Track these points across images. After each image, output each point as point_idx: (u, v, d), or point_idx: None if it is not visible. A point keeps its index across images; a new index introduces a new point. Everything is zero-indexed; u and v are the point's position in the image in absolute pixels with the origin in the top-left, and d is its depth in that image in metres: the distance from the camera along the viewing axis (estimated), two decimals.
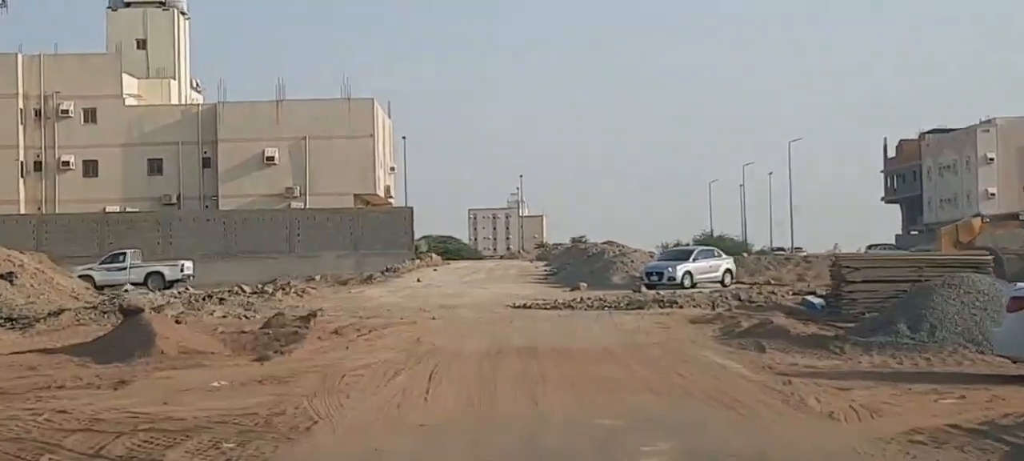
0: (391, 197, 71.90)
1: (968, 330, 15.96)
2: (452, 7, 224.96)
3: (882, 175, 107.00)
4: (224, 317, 25.75)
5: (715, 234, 74.32)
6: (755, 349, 16.89)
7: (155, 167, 66.31)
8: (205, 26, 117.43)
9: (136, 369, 15.23)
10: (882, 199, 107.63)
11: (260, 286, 37.32)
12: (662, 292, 33.12)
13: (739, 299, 29.65)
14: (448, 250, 72.75)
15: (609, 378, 13.62)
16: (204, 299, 30.84)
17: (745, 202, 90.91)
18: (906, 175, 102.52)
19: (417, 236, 65.32)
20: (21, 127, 65.65)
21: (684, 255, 41.66)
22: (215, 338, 18.93)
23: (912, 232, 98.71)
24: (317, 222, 57.22)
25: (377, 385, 13.03)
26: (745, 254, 54.58)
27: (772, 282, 40.38)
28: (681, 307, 28.00)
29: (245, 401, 11.63)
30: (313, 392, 12.28)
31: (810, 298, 26.12)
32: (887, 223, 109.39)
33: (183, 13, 74.51)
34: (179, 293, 34.68)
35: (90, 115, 66.04)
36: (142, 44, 72.16)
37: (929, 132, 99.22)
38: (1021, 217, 68.78)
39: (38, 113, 65.96)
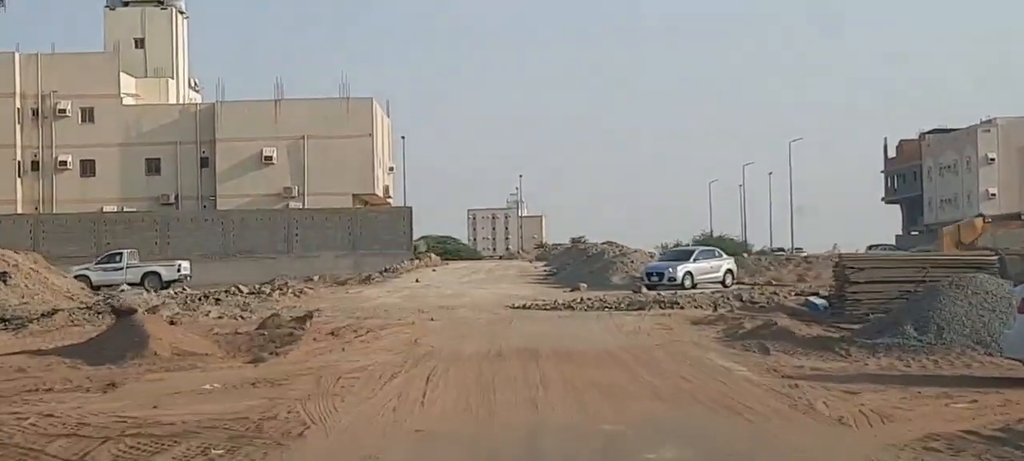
0: (390, 197, 71.66)
1: (976, 332, 15.65)
2: (452, 7, 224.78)
3: (882, 175, 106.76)
4: (220, 318, 25.44)
5: (715, 234, 74.17)
6: (759, 351, 16.58)
7: (153, 167, 66.09)
8: (203, 25, 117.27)
9: (128, 371, 14.92)
10: (882, 199, 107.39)
11: (257, 286, 37.04)
12: (663, 293, 32.85)
13: (741, 300, 29.35)
14: (447, 250, 72.55)
15: (611, 382, 13.29)
16: (200, 299, 30.54)
17: (745, 202, 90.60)
18: (906, 175, 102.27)
19: (416, 236, 65.13)
20: (18, 127, 65.44)
21: (685, 255, 41.39)
22: (210, 339, 18.61)
23: (912, 232, 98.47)
24: (315, 222, 57.05)
25: (373, 388, 12.70)
26: (745, 254, 54.39)
27: (773, 283, 40.09)
28: (682, 308, 27.70)
29: (237, 404, 11.31)
30: (307, 395, 11.96)
31: (813, 299, 25.84)
32: (887, 223, 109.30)
33: (181, 12, 74.26)
34: (175, 293, 34.38)
35: (87, 115, 65.83)
36: (140, 43, 71.92)
37: (929, 132, 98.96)
38: (1023, 217, 68.47)
39: (35, 112, 65.76)
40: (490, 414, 11.01)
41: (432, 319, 25.02)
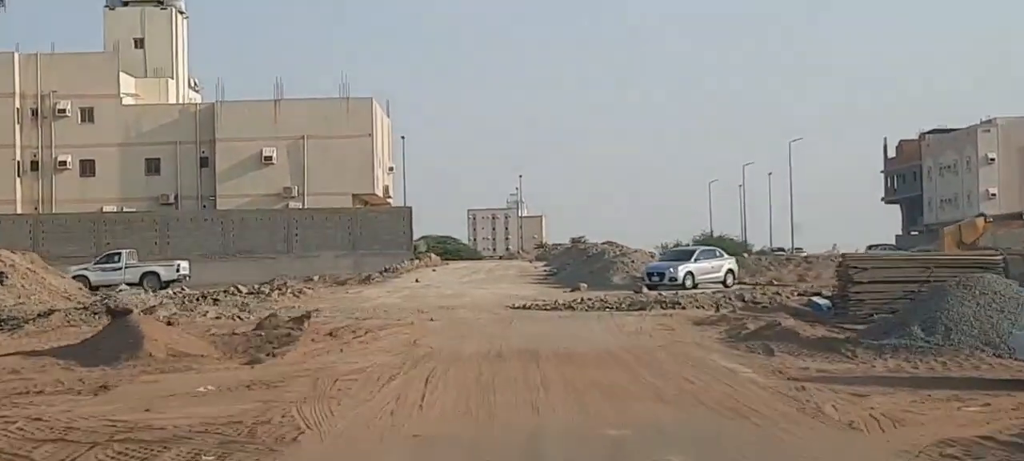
0: (390, 197, 71.39)
1: (984, 333, 15.38)
2: (452, 6, 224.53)
3: (882, 175, 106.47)
4: (217, 318, 25.16)
5: (715, 234, 73.93)
6: (764, 352, 16.30)
7: (152, 167, 65.80)
8: (203, 25, 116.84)
9: (122, 373, 14.68)
10: (882, 199, 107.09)
11: (256, 287, 36.78)
12: (664, 293, 32.59)
13: (743, 300, 29.08)
14: (447, 250, 72.30)
15: (613, 384, 13.01)
16: (198, 300, 30.25)
17: (745, 202, 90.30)
18: (906, 175, 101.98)
19: (416, 236, 64.87)
20: (18, 126, 65.14)
21: (686, 255, 41.11)
22: (206, 340, 18.35)
23: (912, 232, 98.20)
24: (315, 222, 56.79)
25: (370, 391, 12.43)
26: (745, 254, 54.14)
27: (775, 283, 39.83)
28: (684, 308, 27.43)
29: (231, 408, 11.04)
30: (303, 398, 11.69)
31: (816, 299, 25.61)
32: (887, 223, 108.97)
33: (181, 12, 73.97)
34: (174, 293, 34.12)
35: (87, 114, 65.53)
36: (140, 43, 71.60)
37: (929, 132, 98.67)
38: None
39: (35, 112, 65.45)
40: (490, 417, 10.75)
41: (432, 319, 24.76)
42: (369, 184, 65.62)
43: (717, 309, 26.59)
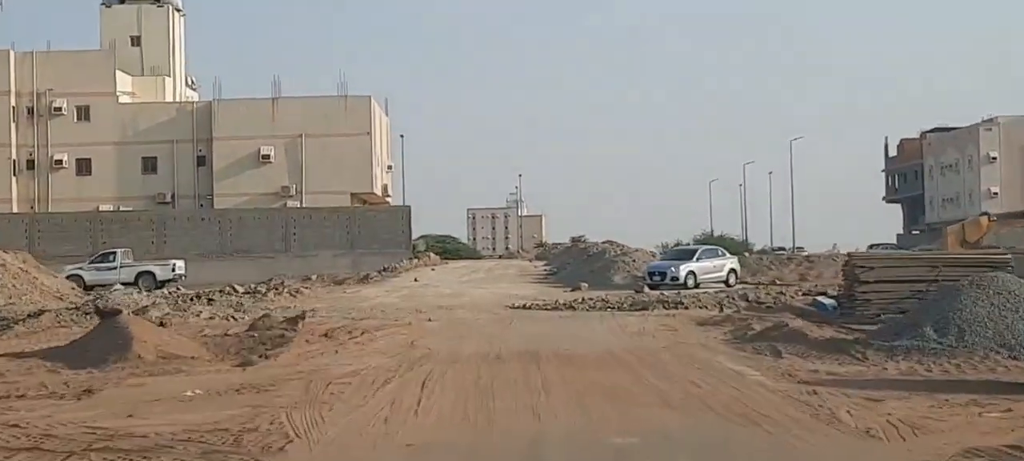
0: (388, 196, 70.96)
1: (999, 334, 14.89)
2: (451, 5, 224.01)
3: (883, 174, 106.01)
4: (211, 318, 24.68)
5: (715, 234, 73.61)
6: (771, 354, 15.81)
7: (149, 165, 65.40)
8: (200, 23, 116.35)
9: (109, 375, 14.21)
10: (883, 199, 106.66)
11: (253, 286, 36.34)
12: (666, 292, 32.14)
13: (747, 300, 28.62)
14: (447, 250, 71.94)
15: (617, 387, 12.52)
16: (192, 299, 29.77)
17: (745, 201, 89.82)
18: (907, 174, 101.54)
19: (415, 236, 64.49)
20: (13, 125, 64.74)
21: (687, 254, 40.69)
22: (197, 341, 17.87)
23: (913, 232, 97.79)
24: (313, 221, 56.39)
25: (364, 395, 11.93)
26: (746, 254, 53.77)
27: (777, 282, 39.40)
28: (687, 308, 26.98)
29: (218, 413, 10.55)
30: (293, 403, 11.21)
31: (821, 299, 25.18)
32: (888, 223, 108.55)
33: (178, 10, 73.57)
34: (169, 293, 33.67)
35: (83, 113, 65.12)
36: (136, 41, 71.24)
37: (931, 131, 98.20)
38: None
39: (31, 111, 65.08)
40: (489, 423, 10.26)
41: (430, 320, 24.30)
42: (367, 183, 65.18)
43: (721, 309, 26.14)
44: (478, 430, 9.91)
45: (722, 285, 36.75)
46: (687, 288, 35.17)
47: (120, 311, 18.12)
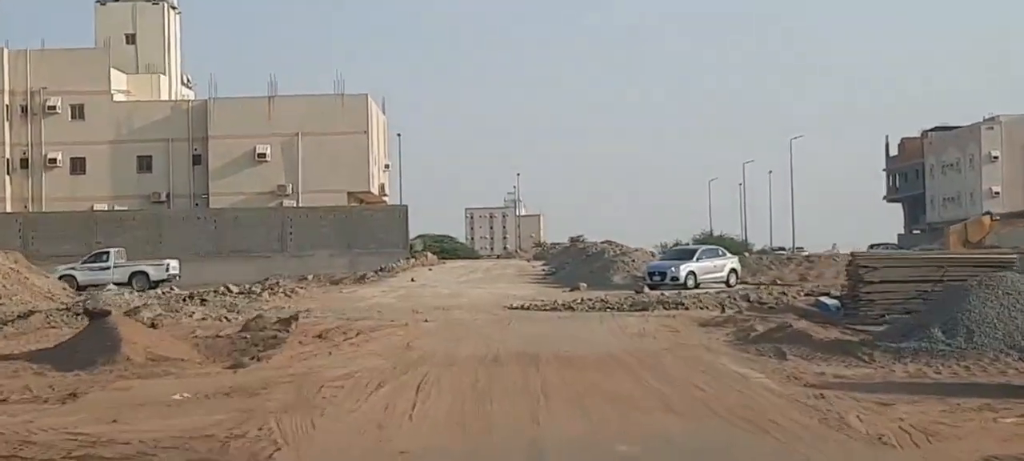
0: (386, 195, 70.56)
1: (1009, 335, 14.55)
2: (449, 4, 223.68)
3: (884, 173, 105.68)
4: (204, 319, 24.28)
5: (715, 233, 73.30)
6: (775, 356, 15.45)
7: (144, 164, 64.97)
8: (196, 20, 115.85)
9: (96, 378, 13.83)
10: (884, 198, 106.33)
11: (248, 286, 35.95)
12: (666, 293, 31.78)
13: (748, 300, 28.25)
14: (445, 249, 71.57)
15: (619, 391, 12.14)
16: (185, 300, 29.36)
17: (745, 201, 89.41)
18: (908, 173, 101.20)
19: (413, 235, 64.13)
20: (7, 123, 64.38)
21: (687, 254, 40.31)
22: (188, 343, 17.49)
23: (914, 231, 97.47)
24: (310, 221, 55.98)
25: (357, 399, 11.55)
26: (746, 253, 53.45)
27: (778, 282, 39.05)
28: (687, 309, 26.62)
29: (205, 418, 10.18)
30: (284, 407, 10.83)
31: (824, 299, 24.86)
32: (889, 222, 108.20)
33: (173, 7, 73.21)
34: (162, 293, 33.27)
35: (78, 111, 64.74)
36: (131, 39, 70.92)
37: (932, 130, 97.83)
38: None
39: (25, 109, 64.68)
40: (486, 429, 9.87)
41: (426, 320, 23.91)
42: (364, 182, 64.79)
43: (722, 310, 25.78)
44: (475, 436, 9.53)
45: (722, 285, 36.37)
46: (687, 288, 34.82)
47: (109, 312, 17.72)
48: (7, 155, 64.23)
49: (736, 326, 20.27)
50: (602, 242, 52.42)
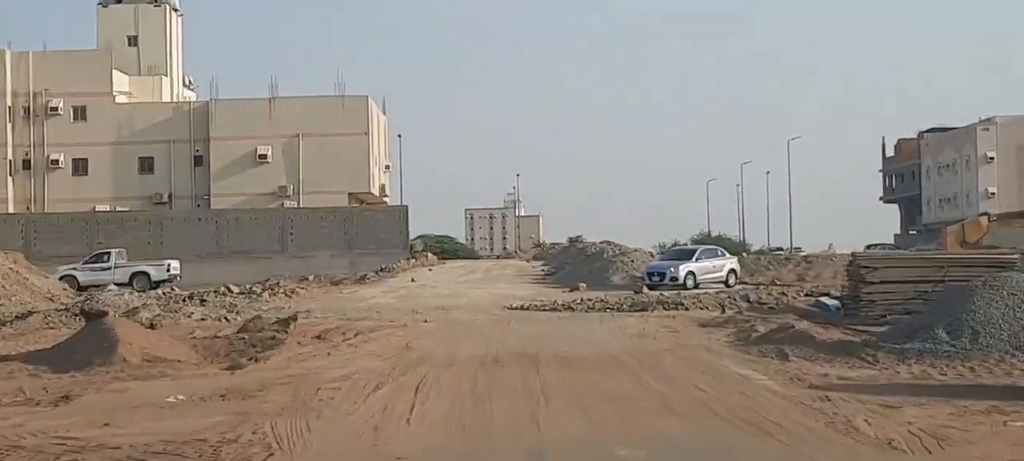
0: (386, 196, 70.44)
1: (1015, 336, 14.36)
2: (449, 5, 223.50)
3: (880, 174, 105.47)
4: (203, 320, 24.13)
5: (713, 234, 73.17)
6: (777, 357, 15.28)
7: (146, 165, 64.91)
8: (197, 22, 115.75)
9: (92, 379, 13.67)
10: (880, 199, 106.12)
11: (248, 287, 35.82)
12: (665, 293, 31.63)
13: (748, 300, 28.09)
14: (444, 250, 71.48)
15: (620, 393, 11.97)
16: (185, 300, 29.22)
17: (743, 201, 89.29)
18: (905, 174, 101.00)
19: (413, 236, 64.00)
20: (9, 125, 64.33)
21: (687, 254, 40.14)
22: (186, 344, 17.32)
23: (911, 232, 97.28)
24: (311, 221, 55.89)
25: (354, 401, 11.39)
26: (744, 254, 53.33)
27: (776, 282, 38.90)
28: (687, 309, 26.46)
29: (199, 422, 10.01)
30: (280, 410, 10.67)
31: (824, 300, 24.70)
32: (885, 223, 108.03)
33: (175, 9, 73.11)
34: (163, 294, 33.14)
35: (80, 113, 64.68)
36: (133, 41, 70.81)
37: (928, 131, 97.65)
38: None
39: (27, 111, 64.63)
40: (486, 432, 9.71)
41: (426, 321, 23.75)
42: (365, 182, 64.68)
43: (722, 310, 25.63)
44: (474, 440, 9.37)
45: (722, 286, 36.24)
46: (686, 289, 34.68)
47: (106, 313, 17.57)
48: (9, 156, 64.16)
49: (737, 327, 20.11)
50: (601, 242, 52.29)
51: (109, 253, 44.01)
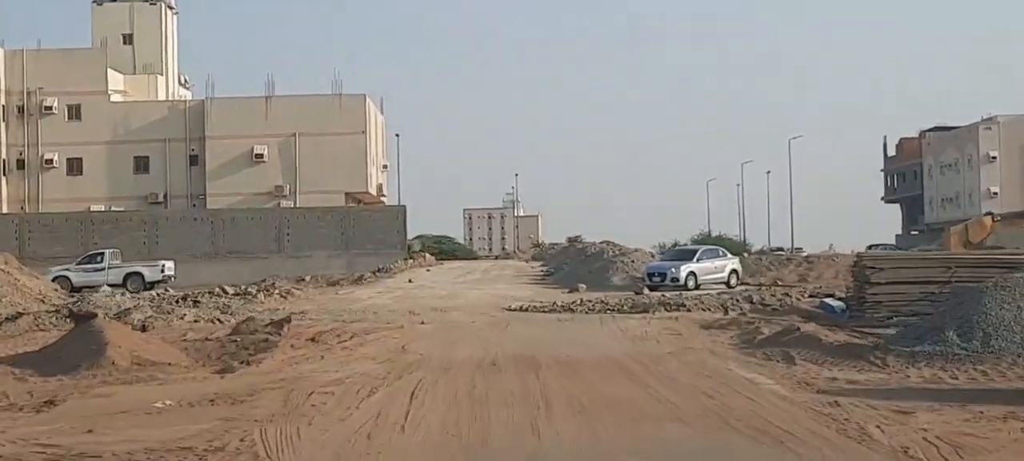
0: (384, 195, 70.04)
1: None
2: (448, 4, 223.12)
3: (882, 174, 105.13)
4: (196, 321, 23.71)
5: (713, 234, 72.81)
6: (784, 360, 14.89)
7: (141, 165, 64.45)
8: (193, 21, 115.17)
9: (79, 383, 13.30)
10: (882, 199, 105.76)
11: (244, 287, 35.42)
12: (667, 294, 31.24)
13: (751, 302, 27.69)
14: (443, 250, 71.12)
15: (623, 399, 11.58)
16: (178, 301, 28.81)
17: (743, 201, 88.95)
18: (906, 174, 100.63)
19: (411, 236, 63.57)
20: (3, 124, 63.91)
21: (688, 255, 39.72)
22: (177, 347, 16.93)
23: (912, 232, 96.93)
24: (307, 221, 55.49)
25: (347, 407, 10.99)
26: (745, 254, 52.97)
27: (778, 283, 38.50)
28: (689, 310, 26.05)
29: (186, 428, 9.62)
30: (270, 416, 10.28)
31: (829, 301, 24.34)
32: (887, 223, 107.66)
33: (171, 7, 72.67)
34: (156, 295, 32.73)
35: (74, 112, 64.21)
36: (128, 39, 70.37)
37: (930, 130, 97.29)
38: None
39: (21, 110, 64.12)
40: (483, 442, 9.31)
41: (423, 322, 23.36)
42: (362, 182, 64.28)
43: (725, 312, 25.24)
44: (471, 449, 8.97)
45: (723, 286, 35.84)
46: (687, 289, 34.29)
47: (95, 315, 17.21)
48: (3, 156, 63.72)
49: (740, 329, 19.72)
50: (601, 243, 51.94)
51: (103, 254, 43.60)
